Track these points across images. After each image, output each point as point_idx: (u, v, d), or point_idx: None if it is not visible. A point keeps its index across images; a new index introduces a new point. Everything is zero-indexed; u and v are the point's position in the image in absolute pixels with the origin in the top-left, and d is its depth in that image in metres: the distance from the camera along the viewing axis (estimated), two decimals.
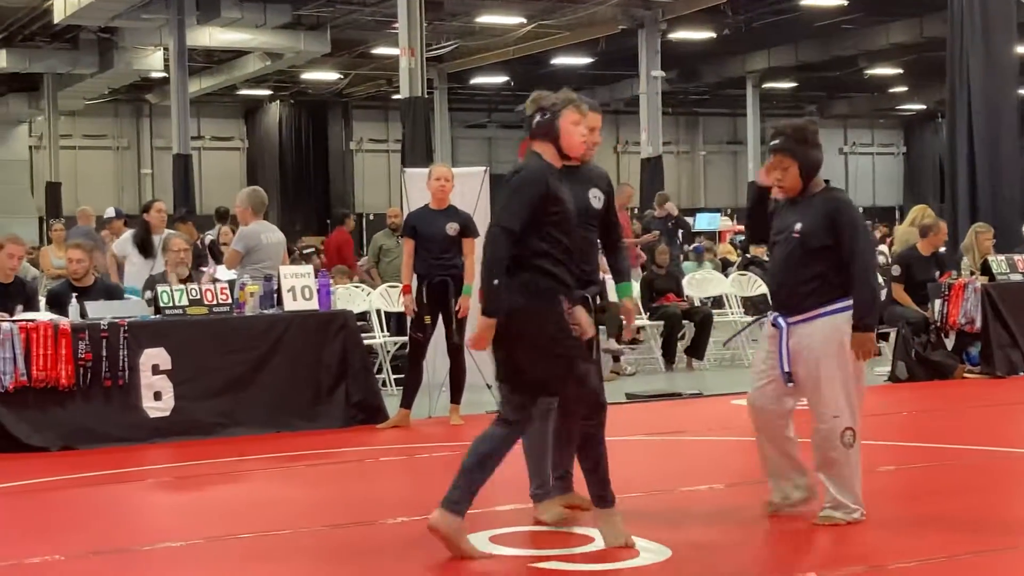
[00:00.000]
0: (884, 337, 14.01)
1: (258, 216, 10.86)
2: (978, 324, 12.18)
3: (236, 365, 9.69)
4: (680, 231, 18.03)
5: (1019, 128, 15.27)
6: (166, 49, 26.81)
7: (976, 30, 14.81)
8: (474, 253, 9.19)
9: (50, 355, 8.98)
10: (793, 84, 37.11)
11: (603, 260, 6.76)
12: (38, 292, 11.02)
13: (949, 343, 12.39)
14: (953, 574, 5.41)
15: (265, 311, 9.92)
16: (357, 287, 13.36)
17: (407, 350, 10.14)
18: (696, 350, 13.93)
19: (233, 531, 6.31)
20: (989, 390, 11.68)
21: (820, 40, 30.18)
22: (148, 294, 9.96)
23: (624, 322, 6.51)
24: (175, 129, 25.93)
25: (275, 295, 10.00)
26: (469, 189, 11.12)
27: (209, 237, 14.90)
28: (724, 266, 21.18)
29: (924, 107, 40.89)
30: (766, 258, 15.26)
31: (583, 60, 32.14)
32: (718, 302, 15.16)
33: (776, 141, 6.09)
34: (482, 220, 9.11)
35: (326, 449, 9.00)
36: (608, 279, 6.80)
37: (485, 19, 27.08)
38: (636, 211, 23.55)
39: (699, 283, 15.16)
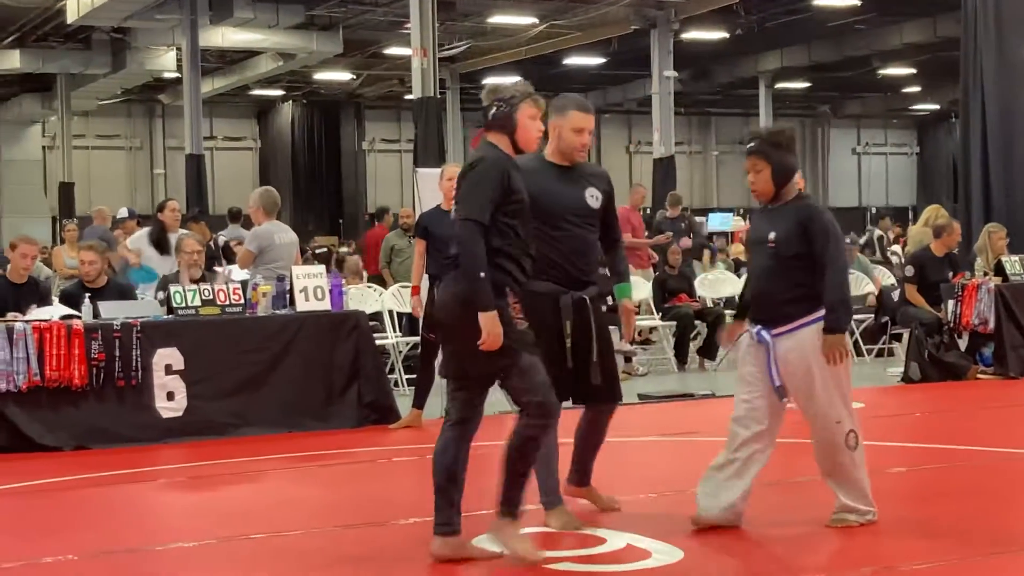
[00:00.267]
0: (897, 338, 14.00)
1: (271, 216, 10.88)
2: (991, 325, 12.15)
3: (249, 365, 9.71)
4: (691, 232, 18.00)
5: None
6: (179, 49, 26.85)
7: (990, 30, 14.78)
8: None
9: (63, 355, 9.01)
10: (806, 84, 37.05)
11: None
12: (51, 292, 11.06)
13: (962, 344, 12.36)
14: None
15: (278, 311, 9.93)
16: (369, 287, 13.37)
17: (419, 350, 10.14)
18: (708, 351, 13.92)
19: (245, 531, 6.31)
20: (1002, 391, 11.65)
21: (833, 40, 30.12)
22: (161, 294, 9.99)
23: (624, 320, 6.40)
24: (188, 129, 25.96)
25: (287, 295, 10.01)
26: None
27: (222, 238, 14.92)
28: (736, 266, 21.15)
29: (938, 107, 40.79)
30: None
31: (595, 60, 32.11)
32: (731, 303, 15.14)
33: (751, 144, 6.06)
34: None
35: (338, 449, 9.01)
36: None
37: (497, 19, 27.07)
38: (647, 211, 23.52)
39: (711, 283, 15.16)
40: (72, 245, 16.24)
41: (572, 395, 6.14)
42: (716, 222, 29.53)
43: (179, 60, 27.43)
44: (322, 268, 10.72)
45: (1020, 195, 14.75)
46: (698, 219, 24.35)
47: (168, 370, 9.38)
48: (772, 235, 5.95)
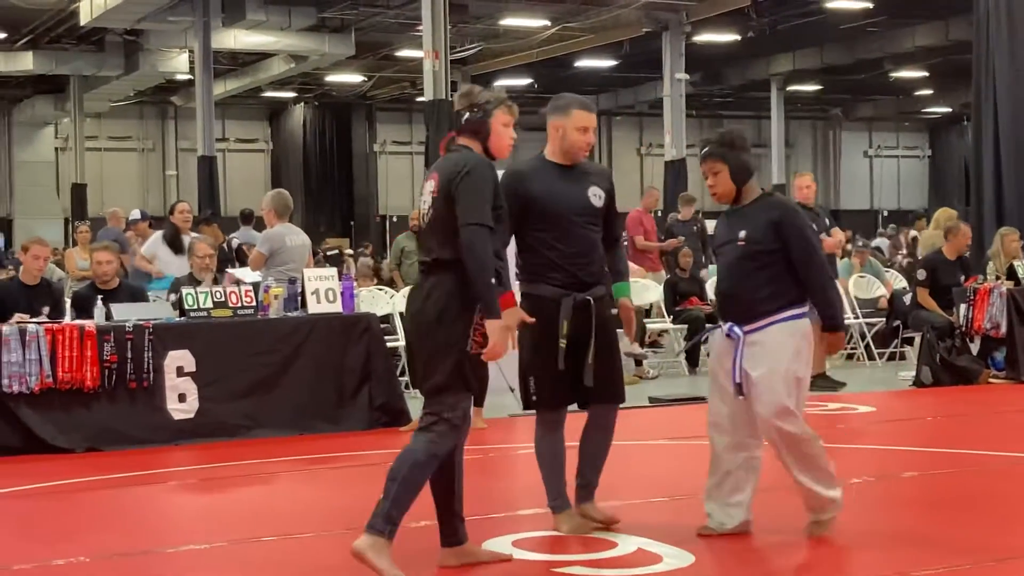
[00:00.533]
0: (909, 342, 13.98)
1: (283, 218, 10.91)
2: (1003, 329, 12.13)
3: (260, 367, 9.72)
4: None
5: None
6: (191, 51, 26.91)
7: (1002, 33, 14.75)
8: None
9: (75, 357, 9.03)
10: (818, 87, 37.00)
11: (632, 265, 6.68)
12: (64, 294, 11.09)
13: (974, 348, 12.34)
14: None
15: (289, 314, 9.95)
16: (381, 290, 13.38)
17: None
18: None
19: (256, 534, 6.32)
20: (1014, 395, 11.62)
21: (845, 43, 30.08)
22: (173, 296, 10.01)
23: (624, 320, 6.34)
24: (200, 131, 26.01)
25: (299, 298, 10.03)
26: None
27: (236, 240, 14.95)
28: None
29: (950, 110, 40.71)
30: None
31: (607, 62, 32.10)
32: None
33: (705, 148, 6.04)
34: None
35: (349, 452, 9.02)
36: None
37: (509, 22, 27.07)
38: (659, 214, 23.51)
39: None
40: (84, 247, 16.28)
41: (575, 398, 6.08)
42: None
43: (191, 62, 27.49)
44: (334, 271, 10.73)
45: None
46: (709, 222, 24.31)
47: (180, 372, 9.40)
48: (743, 233, 5.89)
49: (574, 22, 26.82)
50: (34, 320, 9.17)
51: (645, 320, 13.67)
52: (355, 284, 10.73)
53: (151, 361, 9.28)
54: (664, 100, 27.14)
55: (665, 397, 11.56)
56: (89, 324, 9.20)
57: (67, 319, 9.58)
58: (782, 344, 5.80)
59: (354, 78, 34.19)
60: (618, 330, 6.32)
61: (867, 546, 5.84)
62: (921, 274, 12.80)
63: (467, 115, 5.54)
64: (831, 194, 43.48)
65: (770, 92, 35.33)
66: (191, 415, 9.43)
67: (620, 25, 27.15)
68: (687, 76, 27.16)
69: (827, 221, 12.13)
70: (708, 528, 6.00)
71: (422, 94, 19.44)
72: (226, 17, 25.08)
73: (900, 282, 15.46)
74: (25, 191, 36.42)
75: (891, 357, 14.38)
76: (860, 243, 16.94)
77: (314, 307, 9.94)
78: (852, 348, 14.68)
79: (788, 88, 35.66)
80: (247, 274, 10.99)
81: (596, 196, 6.10)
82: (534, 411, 6.15)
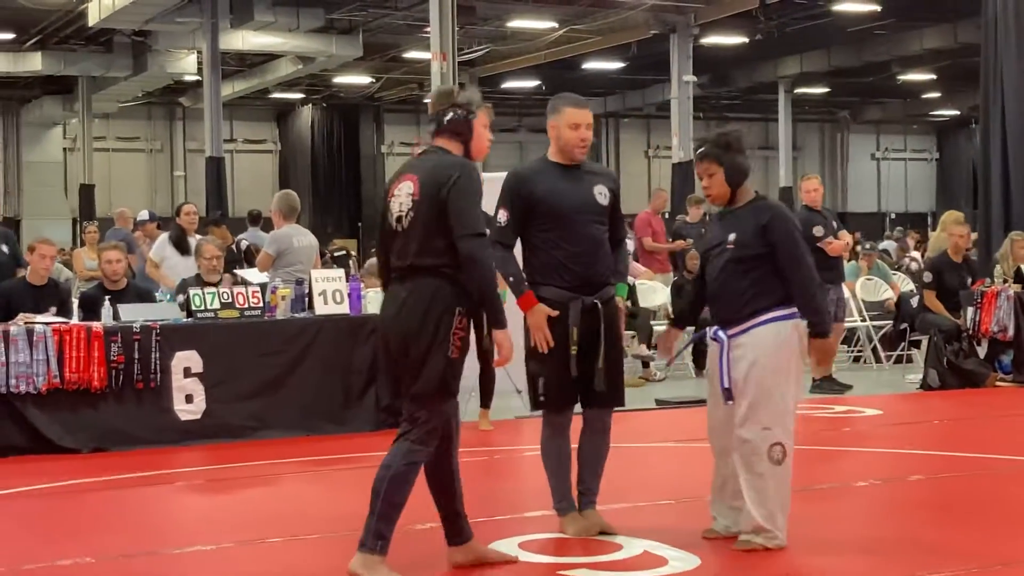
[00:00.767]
0: (916, 344, 13.96)
1: (290, 220, 10.92)
2: (1011, 332, 12.13)
3: (267, 368, 9.74)
4: None
5: None
6: (199, 52, 26.95)
7: (1011, 36, 14.73)
8: None
9: (83, 357, 9.05)
10: (826, 89, 36.98)
11: (635, 265, 6.66)
12: (71, 294, 11.10)
13: (981, 351, 12.33)
14: None
15: (296, 315, 9.96)
16: None
17: None
18: None
19: (263, 535, 6.33)
20: (1021, 399, 11.62)
21: (853, 45, 30.05)
22: (180, 297, 10.02)
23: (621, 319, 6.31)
24: (208, 132, 26.04)
25: (306, 299, 10.04)
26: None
27: (244, 241, 14.96)
28: None
29: (957, 113, 40.65)
30: None
31: (615, 65, 32.10)
32: None
33: (700, 149, 5.99)
34: None
35: (356, 453, 9.02)
36: (636, 283, 6.67)
37: (517, 23, 27.07)
38: (666, 215, 23.51)
39: None
40: (92, 247, 16.30)
41: (577, 399, 6.06)
42: None
43: (199, 63, 27.53)
44: (341, 272, 10.74)
45: None
46: None
47: (187, 373, 9.42)
48: (732, 236, 5.86)
49: (582, 24, 26.83)
50: (40, 320, 9.17)
51: (652, 322, 13.66)
52: (362, 285, 10.73)
53: (158, 362, 9.30)
54: (672, 102, 27.13)
55: (672, 399, 11.56)
56: (96, 325, 9.22)
57: (73, 319, 9.59)
58: (764, 346, 5.76)
59: (362, 79, 34.21)
60: (627, 332, 6.30)
61: (873, 549, 5.83)
62: (927, 276, 12.80)
63: (451, 115, 5.44)
64: (838, 197, 43.44)
65: (778, 94, 35.31)
66: (198, 416, 9.45)
67: (628, 27, 27.14)
68: (695, 78, 27.14)
69: (835, 224, 12.12)
70: (713, 531, 5.99)
71: (429, 96, 19.44)
72: (234, 18, 25.10)
73: (907, 285, 15.45)
74: (33, 191, 36.45)
75: (898, 360, 14.37)
76: (867, 246, 16.91)
77: (321, 308, 9.95)
78: (859, 351, 14.67)
79: (796, 90, 35.64)
80: (254, 275, 11.00)
81: (601, 194, 6.08)
82: (541, 412, 6.15)
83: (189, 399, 9.42)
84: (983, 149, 15.36)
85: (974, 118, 35.01)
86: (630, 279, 6.61)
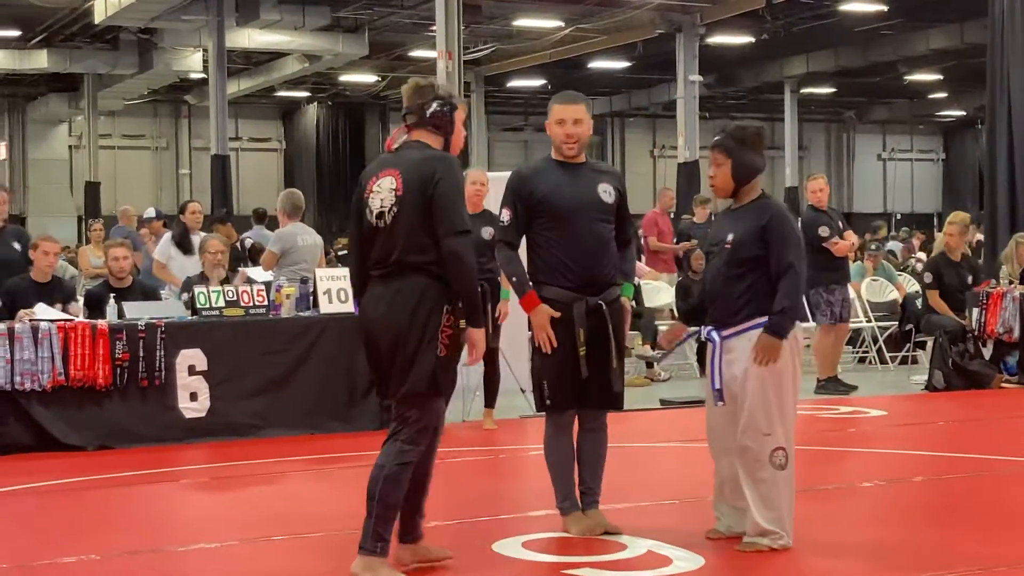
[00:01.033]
0: (921, 345, 13.95)
1: (294, 218, 10.93)
2: (1016, 333, 12.11)
3: (272, 367, 9.74)
4: None
5: None
6: (205, 50, 26.94)
7: (1017, 36, 14.72)
8: None
9: (88, 355, 9.06)
10: (832, 89, 36.94)
11: (639, 265, 6.64)
12: (76, 291, 11.10)
13: (987, 352, 12.31)
14: None
15: (301, 313, 9.96)
16: None
17: None
18: None
19: (267, 533, 6.33)
20: None
21: (859, 45, 30.02)
22: (185, 295, 10.03)
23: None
24: (213, 130, 26.03)
25: (311, 297, 10.04)
26: None
27: (249, 239, 14.97)
28: None
29: (964, 113, 40.62)
30: None
31: (620, 64, 32.08)
32: None
33: (716, 138, 5.94)
34: None
35: (360, 451, 9.00)
36: (640, 282, 6.66)
37: (523, 22, 27.07)
38: (671, 215, 23.51)
39: None
40: (98, 244, 16.32)
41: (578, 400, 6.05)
42: None
43: (205, 61, 27.52)
44: (346, 271, 10.73)
45: None
46: None
47: (191, 371, 9.42)
48: (731, 236, 5.82)
49: (588, 23, 26.81)
50: (46, 319, 9.17)
51: (657, 322, 13.65)
52: None
53: (163, 359, 9.31)
54: (677, 102, 27.12)
55: (676, 399, 11.55)
56: (101, 322, 9.22)
57: (80, 316, 9.59)
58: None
59: (367, 78, 34.21)
60: (631, 332, 6.30)
61: (877, 550, 5.83)
62: (927, 277, 12.79)
63: (434, 108, 5.37)
64: (844, 197, 43.41)
65: (784, 94, 35.27)
66: (202, 414, 9.45)
67: (634, 26, 27.12)
68: (701, 78, 27.12)
69: (840, 224, 12.10)
70: (717, 531, 5.99)
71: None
72: (240, 16, 25.10)
73: (913, 285, 15.43)
74: (39, 189, 36.50)
75: (903, 361, 14.35)
76: (873, 246, 16.89)
77: (326, 307, 9.95)
78: (864, 351, 14.66)
79: (802, 90, 35.61)
80: (259, 273, 11.00)
81: (606, 192, 6.03)
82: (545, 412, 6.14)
83: (194, 397, 9.42)
84: (989, 150, 15.34)
85: (980, 118, 35.00)
86: (635, 279, 6.61)
